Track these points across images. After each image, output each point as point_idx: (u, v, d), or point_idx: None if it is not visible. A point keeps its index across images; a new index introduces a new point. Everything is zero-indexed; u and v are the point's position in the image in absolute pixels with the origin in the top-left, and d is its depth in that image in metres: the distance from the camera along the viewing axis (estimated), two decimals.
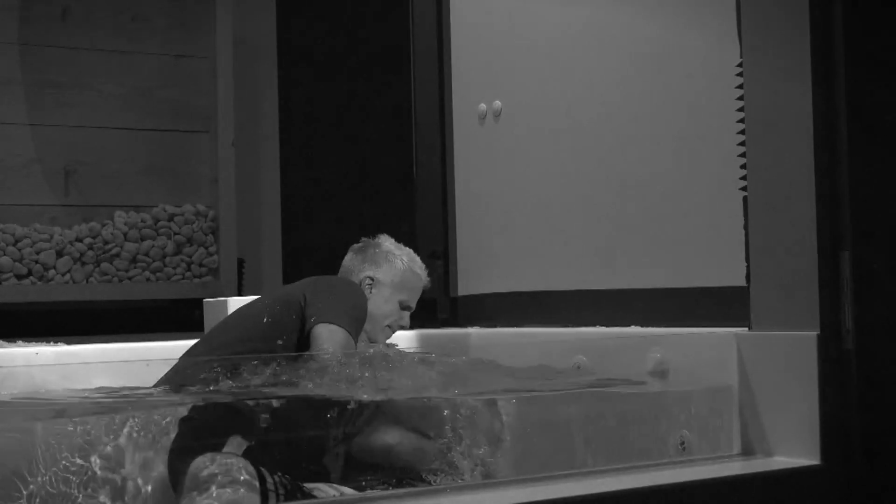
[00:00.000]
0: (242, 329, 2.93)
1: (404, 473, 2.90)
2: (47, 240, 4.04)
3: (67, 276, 4.06)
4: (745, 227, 2.67)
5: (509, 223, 3.72)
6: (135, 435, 2.68)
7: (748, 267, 2.66)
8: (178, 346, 3.03)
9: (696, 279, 3.02)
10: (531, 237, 3.49)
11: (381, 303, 3.14)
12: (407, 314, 3.19)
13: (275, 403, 2.56)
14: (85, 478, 2.65)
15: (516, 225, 3.68)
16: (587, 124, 3.36)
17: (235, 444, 2.58)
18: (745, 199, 2.68)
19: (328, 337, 2.85)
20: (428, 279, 3.25)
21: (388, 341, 3.19)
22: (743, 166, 2.70)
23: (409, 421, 2.95)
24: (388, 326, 3.15)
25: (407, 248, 3.26)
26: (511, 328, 3.51)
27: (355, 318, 2.95)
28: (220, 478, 2.43)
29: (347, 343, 2.87)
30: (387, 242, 3.24)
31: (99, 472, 2.65)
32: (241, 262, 4.43)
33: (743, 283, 2.68)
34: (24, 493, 2.60)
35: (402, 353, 3.01)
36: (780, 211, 2.57)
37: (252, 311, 3.00)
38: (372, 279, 3.15)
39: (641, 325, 3.07)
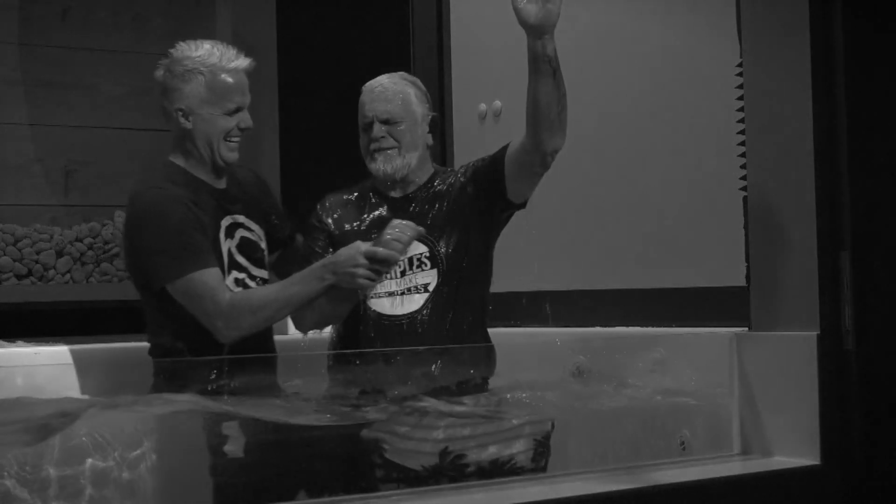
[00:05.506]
0: None
1: None
2: (47, 240, 4.04)
3: (67, 276, 4.05)
4: (745, 227, 2.67)
5: (508, 223, 3.72)
6: None
7: (748, 267, 2.66)
8: None
9: (696, 279, 3.02)
10: (531, 237, 3.48)
11: (204, 126, 2.85)
12: (241, 115, 2.87)
13: None
14: None
15: (516, 225, 3.68)
16: (586, 124, 3.36)
17: None
18: (745, 199, 2.68)
19: (183, 298, 2.67)
20: (241, 62, 2.86)
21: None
22: (743, 166, 2.70)
23: None
24: (227, 140, 2.88)
25: (205, 45, 2.87)
26: (511, 328, 3.50)
27: (172, 246, 2.70)
28: None
29: (200, 283, 2.66)
30: (180, 52, 2.86)
31: None
32: None
33: (743, 283, 2.68)
34: None
35: None
36: (780, 211, 2.57)
37: None
38: (182, 109, 2.86)
39: (641, 325, 3.07)
